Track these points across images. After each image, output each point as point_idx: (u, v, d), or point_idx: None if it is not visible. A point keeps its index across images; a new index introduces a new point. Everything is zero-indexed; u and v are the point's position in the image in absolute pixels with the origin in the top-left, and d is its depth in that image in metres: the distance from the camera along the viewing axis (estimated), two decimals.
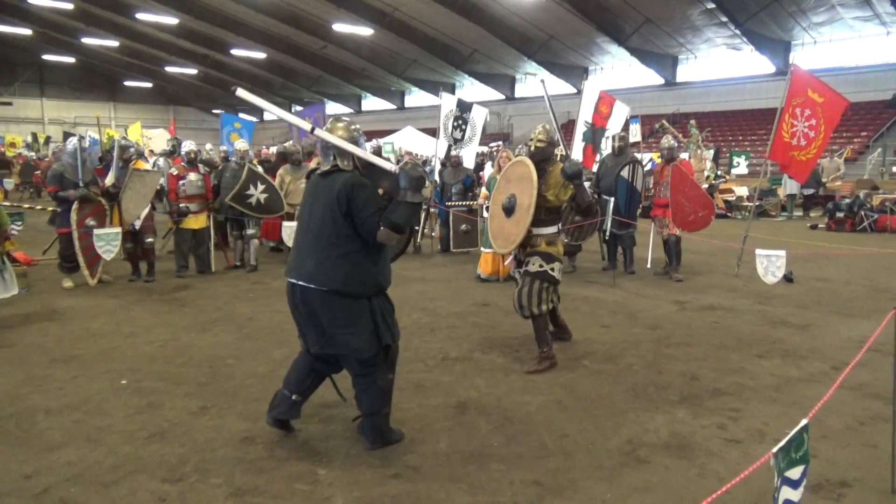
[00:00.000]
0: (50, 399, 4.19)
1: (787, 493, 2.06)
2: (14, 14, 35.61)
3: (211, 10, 32.73)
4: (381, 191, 3.45)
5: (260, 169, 9.18)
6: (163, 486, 3.10)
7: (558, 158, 5.44)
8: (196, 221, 8.29)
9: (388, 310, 3.50)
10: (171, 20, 33.17)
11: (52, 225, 8.64)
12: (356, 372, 3.46)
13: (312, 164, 9.56)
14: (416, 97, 42.56)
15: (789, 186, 16.73)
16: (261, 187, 8.42)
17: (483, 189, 8.67)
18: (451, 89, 36.19)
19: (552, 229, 4.87)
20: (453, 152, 11.09)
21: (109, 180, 7.81)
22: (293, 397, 3.56)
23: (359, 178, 3.37)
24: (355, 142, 3.45)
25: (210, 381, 4.55)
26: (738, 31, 25.30)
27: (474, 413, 3.98)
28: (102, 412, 3.98)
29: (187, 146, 8.75)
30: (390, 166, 3.43)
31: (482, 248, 8.40)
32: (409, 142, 19.79)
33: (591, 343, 5.47)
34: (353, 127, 3.49)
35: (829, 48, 25.56)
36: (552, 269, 4.79)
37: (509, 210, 4.84)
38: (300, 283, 3.36)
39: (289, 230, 8.76)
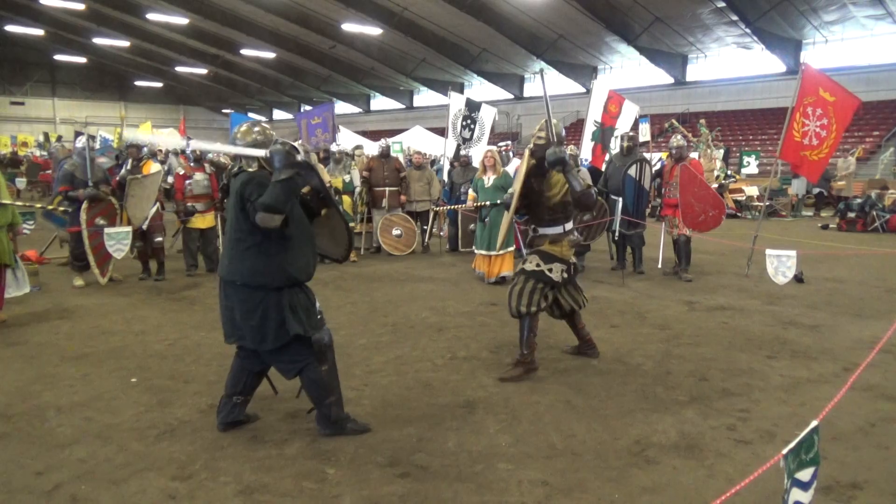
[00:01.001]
0: (61, 396, 4.22)
1: (797, 494, 2.05)
2: (26, 14, 35.94)
3: (221, 10, 32.90)
4: (306, 189, 3.58)
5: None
6: (172, 484, 3.11)
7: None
8: (203, 221, 8.32)
9: (301, 302, 3.52)
10: (182, 20, 33.36)
11: (47, 220, 8.68)
12: (278, 366, 3.61)
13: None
14: (425, 96, 42.60)
15: (795, 186, 16.64)
16: None
17: (470, 191, 8.62)
18: (460, 89, 36.18)
19: (557, 229, 4.67)
20: (462, 152, 11.09)
21: (120, 176, 7.88)
22: (234, 399, 3.69)
23: (253, 173, 3.45)
24: (257, 145, 3.49)
25: (219, 379, 4.56)
26: (748, 30, 25.16)
27: (482, 412, 3.98)
28: (113, 410, 4.01)
29: (192, 144, 8.76)
30: (259, 152, 3.42)
31: (475, 250, 8.36)
32: (418, 141, 19.80)
33: (600, 343, 5.44)
34: (255, 129, 3.58)
35: (841, 47, 25.37)
36: (549, 270, 4.60)
37: (508, 204, 4.82)
38: (221, 277, 3.56)
39: None
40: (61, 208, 7.65)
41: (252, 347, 3.55)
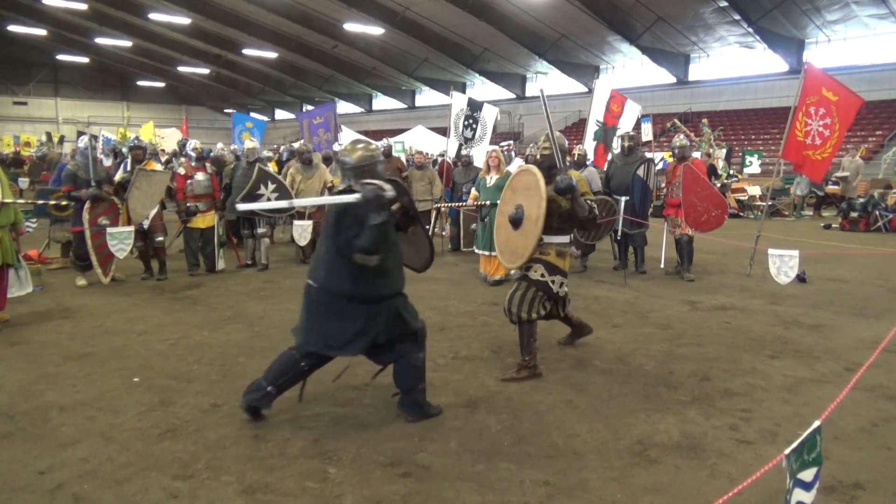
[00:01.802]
0: (63, 396, 4.23)
1: (799, 495, 2.04)
2: (29, 14, 35.99)
3: (223, 10, 32.92)
4: (396, 206, 3.70)
5: (271, 168, 9.19)
6: (174, 483, 3.12)
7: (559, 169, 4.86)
8: (203, 221, 8.32)
9: (401, 302, 3.84)
10: (184, 20, 33.38)
11: (39, 215, 8.67)
12: (384, 353, 3.80)
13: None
14: (427, 96, 42.61)
15: (798, 186, 16.60)
16: (271, 187, 8.45)
17: (472, 190, 8.61)
18: (462, 88, 36.21)
19: (564, 239, 4.64)
20: (464, 151, 11.09)
21: (119, 177, 7.89)
22: (269, 388, 3.75)
23: (348, 204, 3.49)
24: (372, 163, 3.67)
25: (222, 378, 4.58)
26: (750, 30, 25.13)
27: (484, 412, 3.98)
28: (115, 409, 4.01)
29: (193, 144, 8.79)
30: (350, 198, 3.45)
31: (476, 249, 8.35)
32: (420, 141, 19.80)
33: (602, 343, 5.46)
34: (371, 148, 3.76)
35: (844, 46, 25.33)
36: (552, 282, 4.57)
37: (516, 222, 4.51)
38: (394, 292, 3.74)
39: (300, 229, 8.81)
40: (52, 202, 7.67)
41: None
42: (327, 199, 3.66)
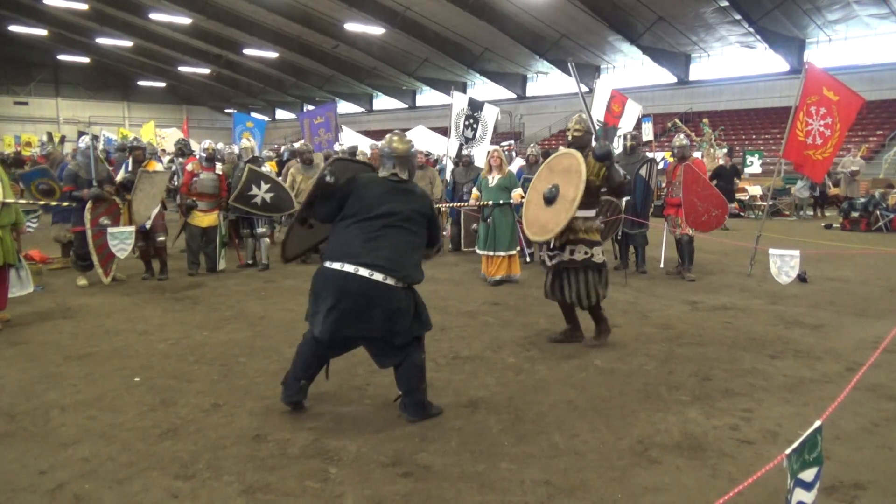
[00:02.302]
0: (64, 396, 4.23)
1: (800, 494, 2.04)
2: (29, 15, 36.01)
3: (224, 10, 32.94)
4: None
5: (267, 168, 9.17)
6: (175, 483, 3.12)
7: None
8: (206, 219, 8.32)
9: (420, 299, 3.92)
10: (185, 20, 33.41)
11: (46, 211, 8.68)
12: (387, 354, 3.78)
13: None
14: (428, 96, 42.61)
15: (799, 187, 16.56)
16: (265, 187, 8.42)
17: (474, 190, 8.60)
18: (463, 88, 36.20)
19: (591, 213, 5.00)
20: (464, 151, 11.09)
21: (120, 177, 7.90)
22: (301, 382, 3.85)
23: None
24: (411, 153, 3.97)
25: (222, 378, 4.58)
26: (751, 29, 25.13)
27: (485, 412, 3.98)
28: (116, 409, 4.01)
29: (205, 144, 8.78)
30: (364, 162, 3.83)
31: (478, 250, 8.34)
32: (421, 141, 19.78)
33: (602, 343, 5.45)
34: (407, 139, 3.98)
35: (845, 46, 25.32)
36: (595, 255, 4.95)
37: (550, 200, 4.89)
38: (365, 274, 3.58)
39: None
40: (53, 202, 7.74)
41: (375, 337, 3.72)
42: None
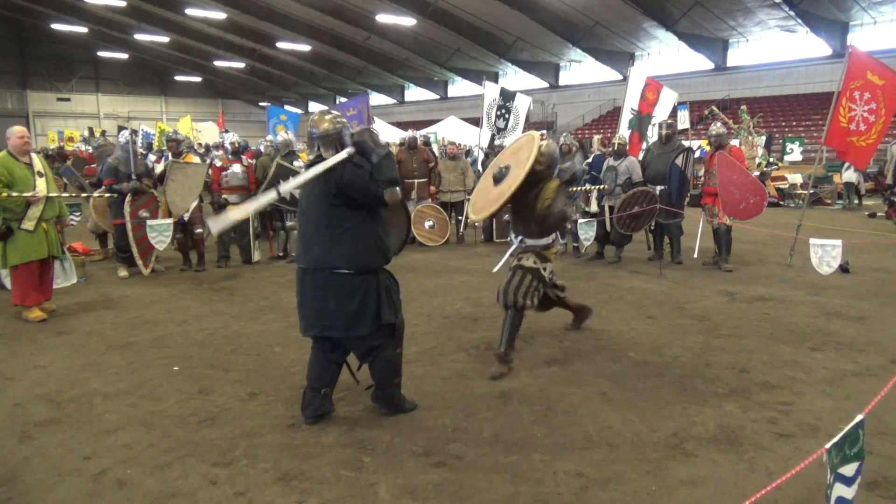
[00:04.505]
0: (107, 384, 4.35)
1: (840, 489, 2.00)
2: (71, 13, 36.92)
3: (257, 4, 33.29)
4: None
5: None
6: (213, 470, 3.19)
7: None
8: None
9: (392, 286, 3.68)
10: (219, 15, 33.89)
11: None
12: (358, 350, 3.69)
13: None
14: (459, 87, 42.47)
15: (846, 175, 16.03)
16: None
17: None
18: (495, 78, 35.98)
19: (547, 240, 4.82)
20: (496, 142, 11.03)
21: (160, 170, 8.07)
22: (322, 391, 3.72)
23: (336, 162, 3.45)
24: (339, 133, 3.60)
25: (258, 368, 4.66)
26: (792, 13, 24.43)
27: (517, 403, 3.98)
28: (156, 397, 4.12)
29: (230, 137, 8.95)
30: (343, 155, 3.45)
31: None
32: (452, 132, 19.78)
33: (637, 334, 5.40)
34: (326, 118, 3.62)
35: (891, 28, 24.45)
36: (544, 269, 4.76)
37: (498, 180, 4.66)
38: (307, 267, 3.55)
39: None
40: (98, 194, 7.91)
41: (341, 335, 3.56)
42: (318, 168, 3.44)
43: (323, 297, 3.50)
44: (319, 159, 3.55)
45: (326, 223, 3.46)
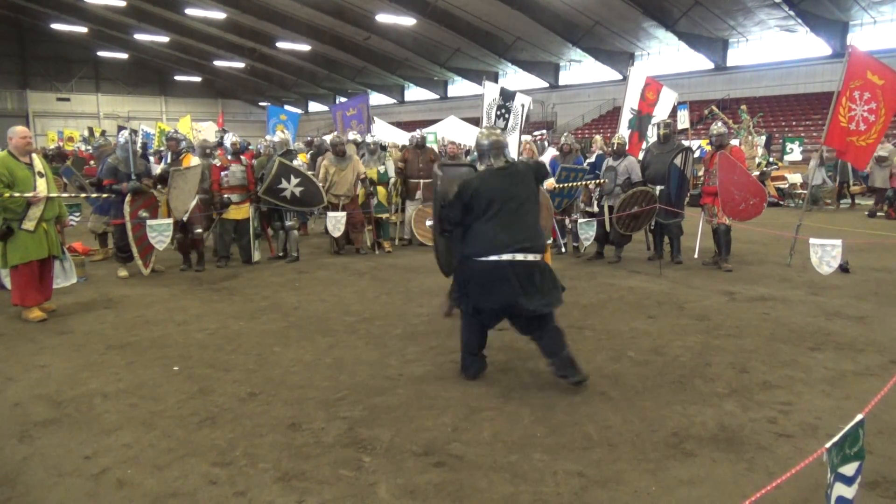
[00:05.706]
0: (107, 384, 4.35)
1: (840, 489, 2.00)
2: (71, 13, 36.96)
3: (257, 4, 33.32)
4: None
5: (298, 161, 9.27)
6: (213, 470, 3.19)
7: None
8: (238, 212, 8.45)
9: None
10: (219, 15, 33.91)
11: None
12: (547, 323, 4.18)
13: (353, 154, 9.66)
14: (459, 86, 42.49)
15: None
16: (294, 181, 8.49)
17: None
18: (495, 78, 35.99)
19: None
20: None
21: (160, 170, 8.07)
22: (480, 352, 4.39)
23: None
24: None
25: (258, 368, 4.66)
26: (792, 12, 24.44)
27: (517, 402, 3.98)
28: (156, 397, 4.12)
29: (230, 138, 8.95)
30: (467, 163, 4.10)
31: None
32: (452, 131, 19.76)
33: (637, 334, 5.40)
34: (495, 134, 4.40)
35: (891, 28, 24.45)
36: None
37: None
38: (528, 258, 4.06)
39: (333, 220, 8.89)
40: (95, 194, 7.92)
41: (553, 309, 4.17)
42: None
43: (533, 283, 4.05)
44: (511, 166, 4.26)
45: (535, 215, 4.22)
